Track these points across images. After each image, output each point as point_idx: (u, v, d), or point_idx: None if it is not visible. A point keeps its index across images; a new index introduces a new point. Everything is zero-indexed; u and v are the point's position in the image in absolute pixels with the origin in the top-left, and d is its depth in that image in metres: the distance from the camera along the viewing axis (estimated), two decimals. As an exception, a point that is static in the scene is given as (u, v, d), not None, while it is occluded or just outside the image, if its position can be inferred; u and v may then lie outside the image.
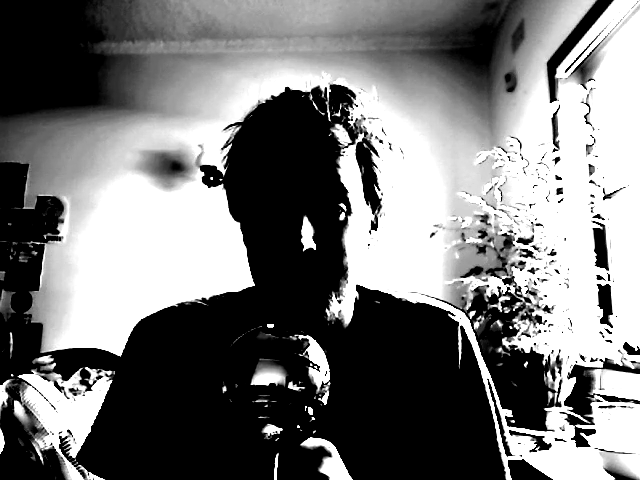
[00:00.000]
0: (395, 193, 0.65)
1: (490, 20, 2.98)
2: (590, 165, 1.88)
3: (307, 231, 0.54)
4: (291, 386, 0.43)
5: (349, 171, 0.58)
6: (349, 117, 0.59)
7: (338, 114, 0.59)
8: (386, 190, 0.63)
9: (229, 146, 0.63)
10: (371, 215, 0.64)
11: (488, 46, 3.12)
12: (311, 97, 0.59)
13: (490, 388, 0.68)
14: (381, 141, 0.62)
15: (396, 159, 0.64)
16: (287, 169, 0.57)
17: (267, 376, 0.43)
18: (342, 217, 0.57)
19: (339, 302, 0.58)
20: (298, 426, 0.44)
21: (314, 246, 0.54)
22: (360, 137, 0.60)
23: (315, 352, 0.46)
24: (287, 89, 0.62)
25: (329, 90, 0.59)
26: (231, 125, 0.63)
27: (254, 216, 0.59)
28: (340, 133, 0.59)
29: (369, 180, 0.61)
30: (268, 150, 0.58)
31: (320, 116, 0.58)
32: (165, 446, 0.62)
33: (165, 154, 3.14)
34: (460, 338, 0.67)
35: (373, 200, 0.62)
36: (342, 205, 0.57)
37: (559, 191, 1.74)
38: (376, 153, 0.61)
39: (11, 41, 3.25)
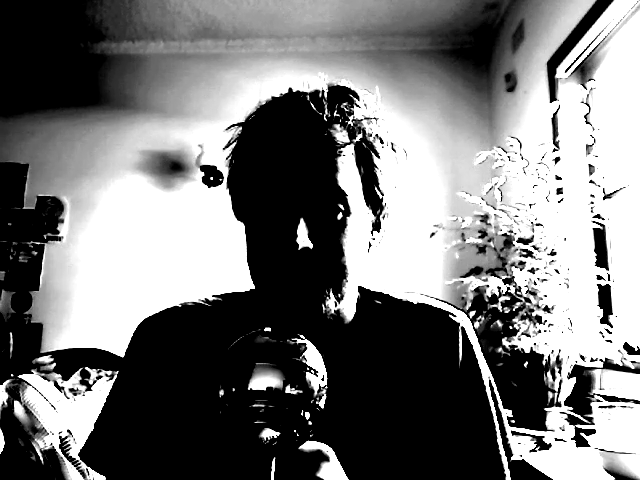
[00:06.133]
0: (397, 194, 0.65)
1: (490, 20, 2.98)
2: (590, 165, 1.88)
3: (303, 231, 0.55)
4: (288, 390, 0.43)
5: (347, 171, 0.58)
6: (348, 117, 0.59)
7: (337, 114, 0.58)
8: (387, 191, 0.63)
9: (231, 146, 0.63)
10: (372, 216, 0.63)
11: (488, 46, 3.12)
12: (309, 97, 0.59)
13: (492, 389, 0.68)
14: (382, 142, 0.61)
15: (398, 161, 0.64)
16: (284, 170, 0.57)
17: (264, 380, 0.43)
18: (340, 217, 0.57)
19: (338, 300, 0.58)
20: (295, 430, 0.44)
21: (310, 245, 0.55)
22: (359, 137, 0.59)
23: (312, 356, 0.46)
24: (290, 90, 0.62)
25: (327, 90, 0.60)
26: (232, 125, 0.63)
27: (254, 217, 0.60)
28: (338, 133, 0.58)
29: (369, 181, 0.61)
30: (267, 151, 0.59)
31: (318, 116, 0.57)
32: (165, 446, 0.62)
33: (165, 154, 3.14)
34: (461, 339, 0.67)
35: (374, 201, 0.62)
36: (339, 205, 0.57)
37: (559, 191, 1.74)
38: (377, 154, 0.61)
39: (11, 41, 3.24)
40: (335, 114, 0.58)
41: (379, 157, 0.61)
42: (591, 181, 1.65)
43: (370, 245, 0.65)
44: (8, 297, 3.02)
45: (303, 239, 0.54)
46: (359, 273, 0.62)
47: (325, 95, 0.59)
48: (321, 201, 0.57)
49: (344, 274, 0.58)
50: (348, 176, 0.58)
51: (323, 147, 0.57)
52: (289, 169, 0.57)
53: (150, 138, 3.15)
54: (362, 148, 0.60)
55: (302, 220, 0.55)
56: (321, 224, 0.57)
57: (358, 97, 0.61)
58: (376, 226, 0.65)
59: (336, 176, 0.57)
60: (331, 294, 0.57)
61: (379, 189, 0.62)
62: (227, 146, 0.63)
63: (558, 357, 1.54)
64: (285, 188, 0.57)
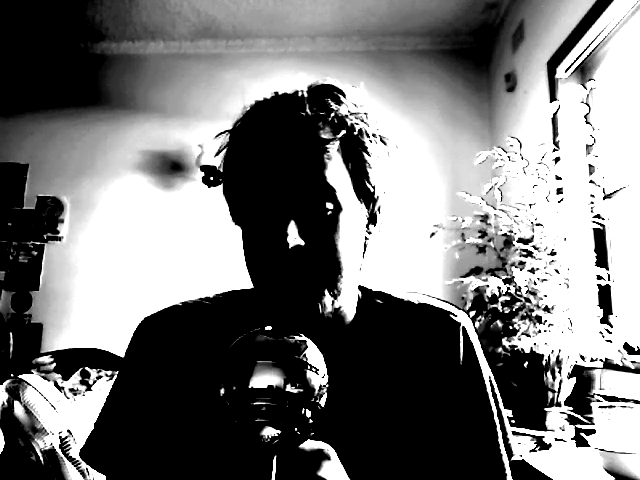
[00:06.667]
0: (391, 187, 0.65)
1: (490, 20, 2.98)
2: (590, 165, 1.88)
3: (293, 230, 0.55)
4: (289, 388, 0.43)
5: (334, 167, 0.58)
6: (331, 114, 0.59)
7: (320, 111, 0.58)
8: (379, 185, 0.62)
9: (222, 152, 0.64)
10: (365, 210, 0.63)
11: (488, 46, 3.12)
12: (291, 97, 0.59)
13: (492, 389, 0.68)
14: (369, 135, 0.61)
15: (389, 153, 0.64)
16: (272, 171, 0.57)
17: (265, 378, 0.43)
18: (330, 213, 0.57)
19: (335, 297, 0.59)
20: (296, 428, 0.44)
21: (302, 243, 0.55)
22: (342, 132, 0.59)
23: (313, 354, 0.46)
24: (275, 93, 0.62)
25: (309, 89, 0.60)
26: (221, 133, 0.64)
27: (248, 220, 0.60)
28: (322, 130, 0.58)
29: (358, 175, 0.61)
30: (254, 155, 0.59)
31: (300, 115, 0.58)
32: (165, 446, 0.62)
33: (165, 154, 3.14)
34: (462, 339, 0.67)
35: (365, 195, 0.62)
36: (329, 201, 0.57)
37: (559, 191, 1.74)
38: (364, 148, 0.60)
39: (11, 41, 3.25)
40: (319, 112, 0.58)
41: (367, 151, 0.61)
42: (591, 181, 1.65)
43: (367, 239, 0.65)
44: (8, 297, 3.02)
45: (294, 237, 0.55)
46: (355, 268, 0.62)
47: (306, 94, 0.59)
48: (310, 198, 0.57)
49: (339, 270, 0.58)
50: (336, 172, 0.58)
51: (308, 145, 0.57)
52: (276, 169, 0.57)
53: (150, 138, 3.15)
54: (348, 143, 0.60)
55: (292, 219, 0.56)
56: (312, 221, 0.57)
57: (343, 93, 0.61)
58: (372, 219, 0.65)
59: (323, 172, 0.57)
60: (327, 291, 0.58)
61: (369, 182, 0.61)
62: (217, 154, 0.64)
63: (558, 357, 1.54)
64: (273, 188, 0.57)
